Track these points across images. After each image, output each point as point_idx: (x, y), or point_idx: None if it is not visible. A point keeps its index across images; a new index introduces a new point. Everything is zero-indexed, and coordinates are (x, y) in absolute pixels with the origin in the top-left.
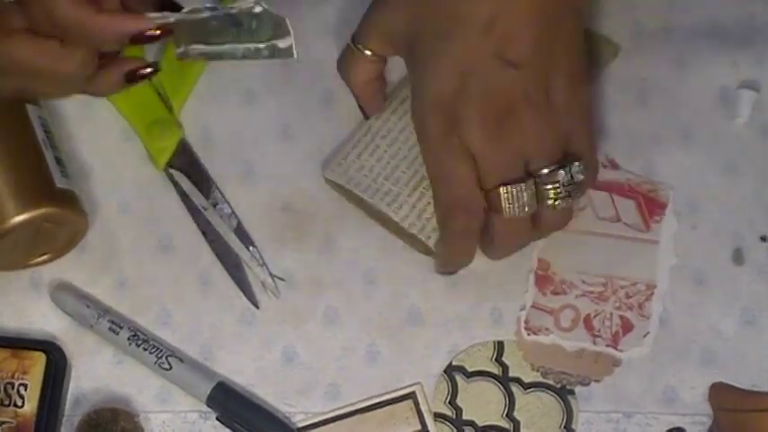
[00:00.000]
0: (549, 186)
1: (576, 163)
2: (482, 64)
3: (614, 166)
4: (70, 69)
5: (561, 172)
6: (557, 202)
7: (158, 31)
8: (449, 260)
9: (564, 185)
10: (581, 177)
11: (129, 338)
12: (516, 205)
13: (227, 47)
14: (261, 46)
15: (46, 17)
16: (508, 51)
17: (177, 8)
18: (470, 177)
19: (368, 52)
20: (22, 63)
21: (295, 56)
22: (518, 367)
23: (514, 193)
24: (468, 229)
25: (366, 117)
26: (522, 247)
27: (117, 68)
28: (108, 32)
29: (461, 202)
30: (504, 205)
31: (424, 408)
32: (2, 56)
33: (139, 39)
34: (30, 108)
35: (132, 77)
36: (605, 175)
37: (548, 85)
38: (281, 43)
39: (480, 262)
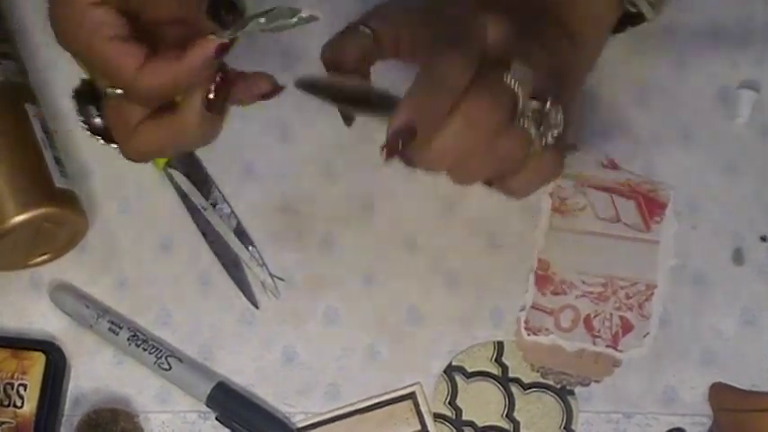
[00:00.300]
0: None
1: (561, 110)
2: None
3: (614, 166)
4: (195, 125)
5: (548, 105)
6: (530, 126)
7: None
8: (408, 116)
9: (546, 119)
10: (560, 127)
11: (128, 338)
12: (520, 82)
13: (279, 22)
14: (294, 20)
15: (141, 98)
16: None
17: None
18: (484, 37)
19: (368, 31)
20: (157, 148)
21: (320, 16)
22: (518, 368)
23: (525, 71)
24: (454, 76)
25: (348, 121)
26: (473, 167)
27: (247, 89)
28: (195, 70)
29: (462, 42)
30: (511, 70)
31: (423, 408)
32: (138, 149)
33: (222, 52)
34: (29, 108)
35: (268, 96)
36: (605, 175)
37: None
38: (303, 14)
39: (480, 262)
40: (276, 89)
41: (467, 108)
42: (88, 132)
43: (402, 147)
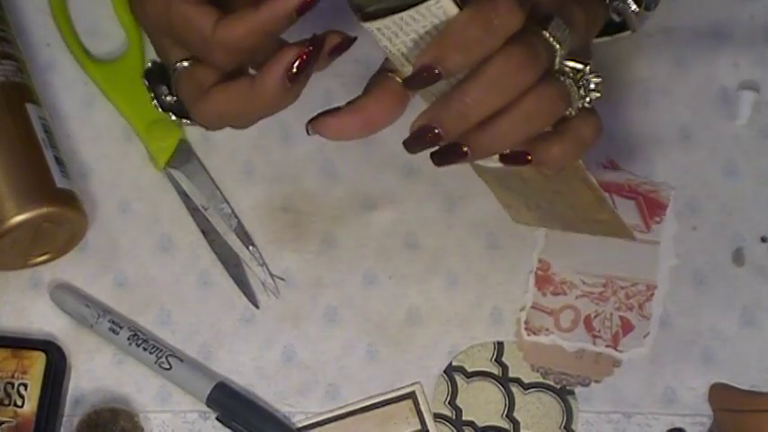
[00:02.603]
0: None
1: (600, 77)
2: None
3: (614, 166)
4: (273, 96)
5: (588, 67)
6: (570, 84)
7: None
8: (439, 52)
9: (585, 81)
10: (599, 94)
11: (128, 338)
12: (559, 38)
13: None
14: None
15: (219, 54)
16: None
17: None
18: None
19: None
20: (232, 112)
21: None
22: (518, 368)
23: (564, 29)
24: (508, 20)
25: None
26: (502, 128)
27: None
28: (274, 20)
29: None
30: (551, 25)
31: (423, 408)
32: (211, 112)
33: (304, 7)
34: (30, 108)
35: (339, 50)
36: (605, 175)
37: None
38: None
39: (480, 262)
40: (347, 40)
41: (501, 59)
42: (160, 109)
43: (424, 82)
